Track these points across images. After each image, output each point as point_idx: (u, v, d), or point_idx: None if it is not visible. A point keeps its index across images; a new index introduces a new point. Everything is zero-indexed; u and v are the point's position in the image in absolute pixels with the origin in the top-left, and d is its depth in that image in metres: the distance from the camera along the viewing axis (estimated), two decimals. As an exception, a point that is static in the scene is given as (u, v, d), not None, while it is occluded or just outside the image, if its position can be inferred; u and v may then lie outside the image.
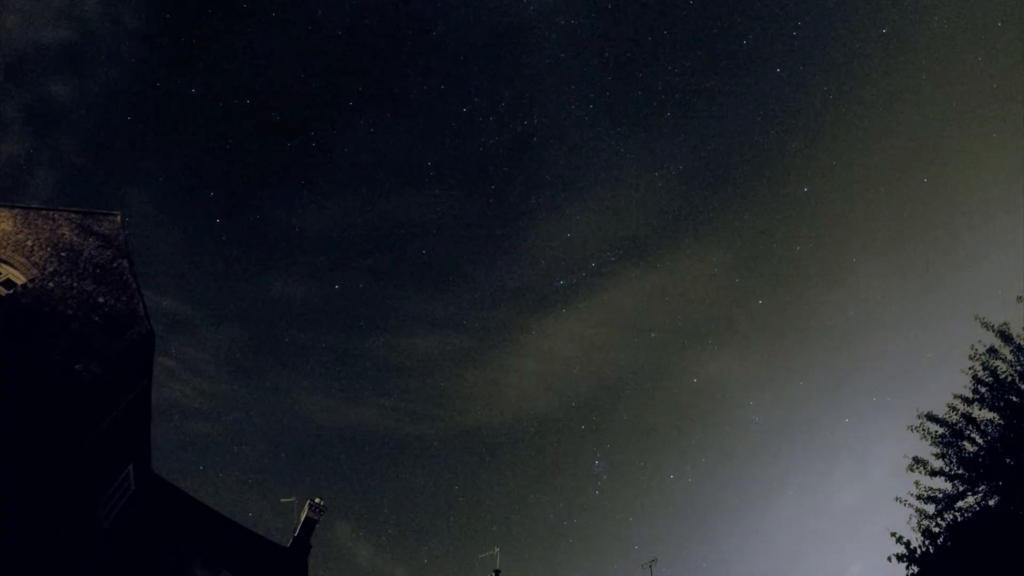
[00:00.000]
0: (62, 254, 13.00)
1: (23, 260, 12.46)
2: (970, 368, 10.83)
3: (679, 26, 50.29)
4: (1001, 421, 10.21)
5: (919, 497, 10.95)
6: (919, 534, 10.42)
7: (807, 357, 57.32)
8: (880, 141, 50.39)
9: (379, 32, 50.03)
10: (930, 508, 10.73)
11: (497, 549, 21.87)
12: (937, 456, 10.88)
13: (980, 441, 10.45)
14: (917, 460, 11.01)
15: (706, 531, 62.51)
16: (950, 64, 45.98)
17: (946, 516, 10.38)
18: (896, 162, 50.43)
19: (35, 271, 12.42)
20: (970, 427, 10.63)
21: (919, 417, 11.27)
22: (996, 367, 10.48)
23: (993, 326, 10.72)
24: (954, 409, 10.93)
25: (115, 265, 13.70)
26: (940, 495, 10.70)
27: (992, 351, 10.62)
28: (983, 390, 10.55)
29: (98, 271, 13.35)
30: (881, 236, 52.33)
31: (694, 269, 57.97)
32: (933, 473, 10.81)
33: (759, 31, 48.74)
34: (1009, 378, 10.30)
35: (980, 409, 10.59)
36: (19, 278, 12.31)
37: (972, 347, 10.85)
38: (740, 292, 56.63)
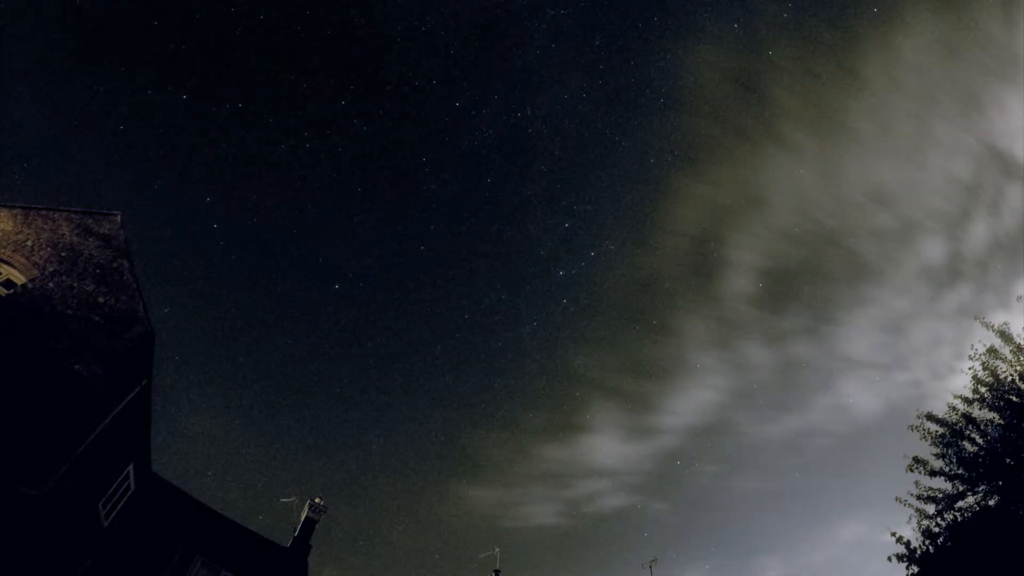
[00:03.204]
0: (62, 254, 13.00)
1: (23, 260, 12.46)
2: (970, 368, 10.80)
3: (668, 13, 50.33)
4: (1001, 421, 10.19)
5: (919, 497, 10.93)
6: (919, 534, 10.41)
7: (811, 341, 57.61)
8: (872, 123, 50.60)
9: (369, 29, 50.02)
10: (930, 508, 10.71)
11: (497, 549, 21.89)
12: (937, 456, 10.87)
13: (980, 441, 10.43)
14: (917, 460, 10.99)
15: (711, 519, 62.61)
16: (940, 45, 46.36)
17: (946, 516, 10.36)
18: (884, 147, 50.93)
19: (35, 271, 12.41)
20: (970, 427, 10.60)
21: (919, 417, 11.26)
22: (996, 367, 10.46)
23: (993, 326, 10.70)
24: (954, 409, 10.91)
25: (115, 265, 13.69)
26: (940, 495, 10.68)
27: (992, 351, 10.59)
28: (983, 390, 10.53)
29: (98, 271, 13.34)
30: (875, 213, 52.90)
31: (694, 255, 58.01)
32: (933, 473, 10.79)
33: (750, 15, 48.74)
34: (1009, 378, 10.28)
35: (980, 409, 10.57)
36: (19, 278, 12.31)
37: (972, 347, 10.84)
38: (741, 276, 56.75)
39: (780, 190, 55.60)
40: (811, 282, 58.81)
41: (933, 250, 55.78)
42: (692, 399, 63.72)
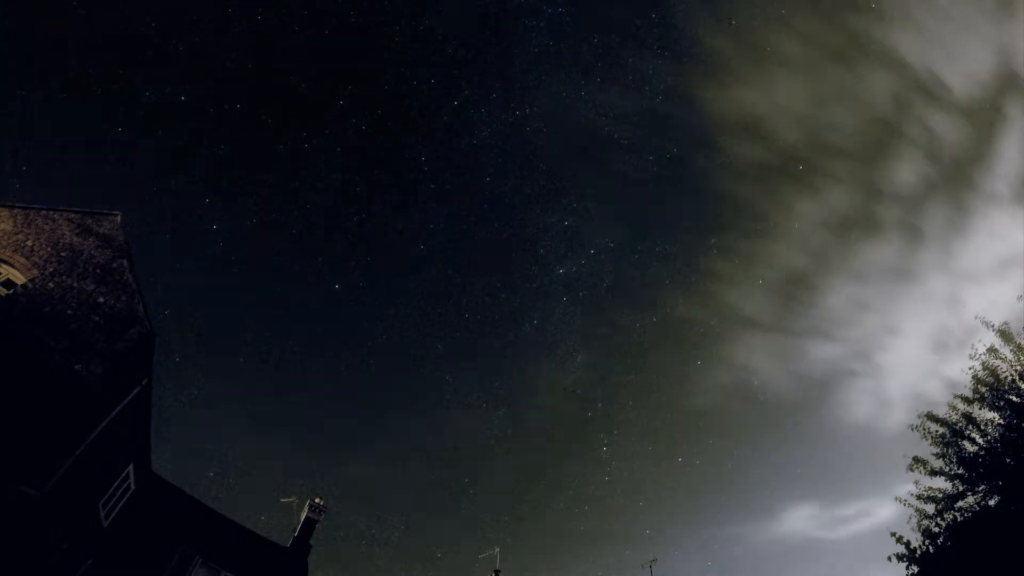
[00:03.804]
0: (62, 254, 13.00)
1: (23, 260, 12.46)
2: (970, 368, 10.80)
3: (666, 9, 50.24)
4: (1001, 421, 10.19)
5: (919, 497, 10.93)
6: (919, 534, 10.41)
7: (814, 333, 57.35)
8: (866, 121, 50.23)
9: (366, 29, 50.01)
10: (930, 508, 10.71)
11: (497, 549, 21.92)
12: (937, 456, 10.87)
13: (980, 441, 10.43)
14: (917, 460, 11.00)
15: (714, 513, 62.48)
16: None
17: (946, 516, 10.36)
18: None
19: (35, 271, 12.41)
20: (970, 427, 10.61)
21: (920, 417, 11.27)
22: (996, 367, 10.46)
23: (993, 325, 10.70)
24: (954, 409, 10.91)
25: (115, 265, 13.69)
26: (940, 495, 10.68)
27: (992, 350, 10.59)
28: (983, 390, 10.53)
29: (98, 271, 13.34)
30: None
31: (695, 250, 57.98)
32: (933, 473, 10.80)
33: (748, 11, 48.69)
34: (1009, 378, 10.28)
35: (980, 409, 10.57)
36: (19, 278, 12.31)
37: (972, 346, 10.85)
38: (744, 270, 56.73)
39: (620, 123, 52.43)
40: (678, 230, 56.12)
41: (838, 195, 50.30)
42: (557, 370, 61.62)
